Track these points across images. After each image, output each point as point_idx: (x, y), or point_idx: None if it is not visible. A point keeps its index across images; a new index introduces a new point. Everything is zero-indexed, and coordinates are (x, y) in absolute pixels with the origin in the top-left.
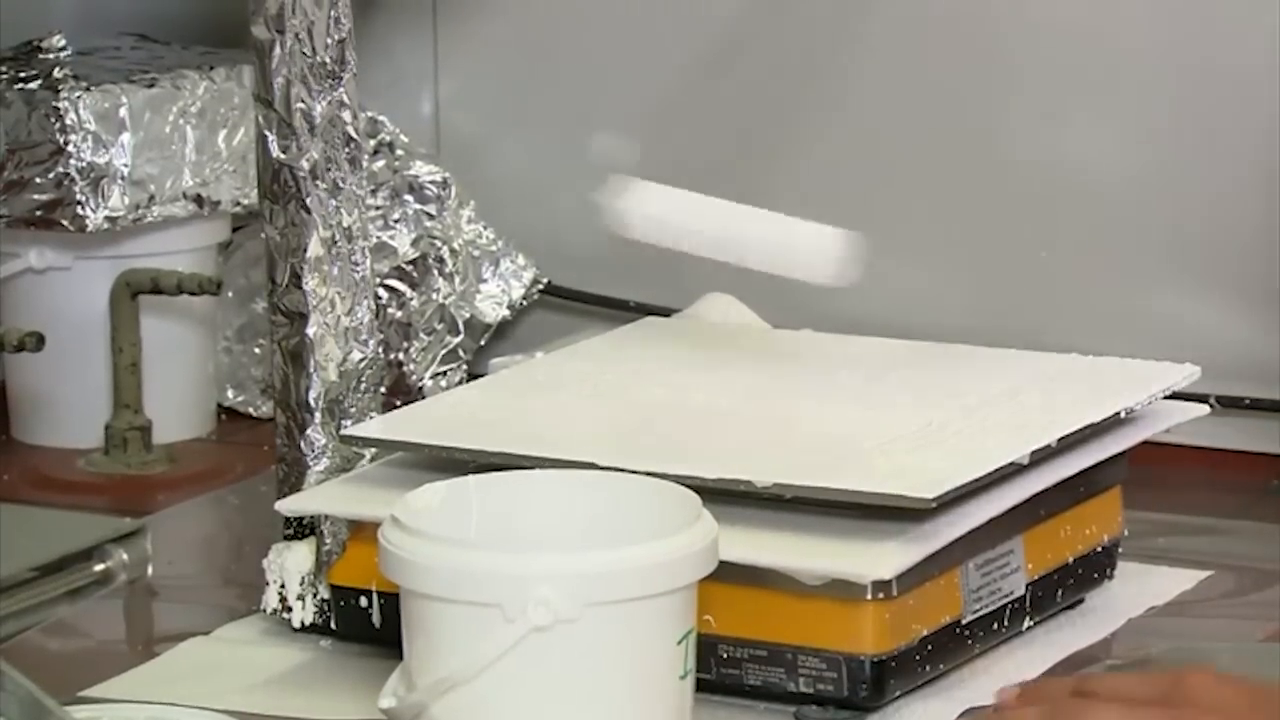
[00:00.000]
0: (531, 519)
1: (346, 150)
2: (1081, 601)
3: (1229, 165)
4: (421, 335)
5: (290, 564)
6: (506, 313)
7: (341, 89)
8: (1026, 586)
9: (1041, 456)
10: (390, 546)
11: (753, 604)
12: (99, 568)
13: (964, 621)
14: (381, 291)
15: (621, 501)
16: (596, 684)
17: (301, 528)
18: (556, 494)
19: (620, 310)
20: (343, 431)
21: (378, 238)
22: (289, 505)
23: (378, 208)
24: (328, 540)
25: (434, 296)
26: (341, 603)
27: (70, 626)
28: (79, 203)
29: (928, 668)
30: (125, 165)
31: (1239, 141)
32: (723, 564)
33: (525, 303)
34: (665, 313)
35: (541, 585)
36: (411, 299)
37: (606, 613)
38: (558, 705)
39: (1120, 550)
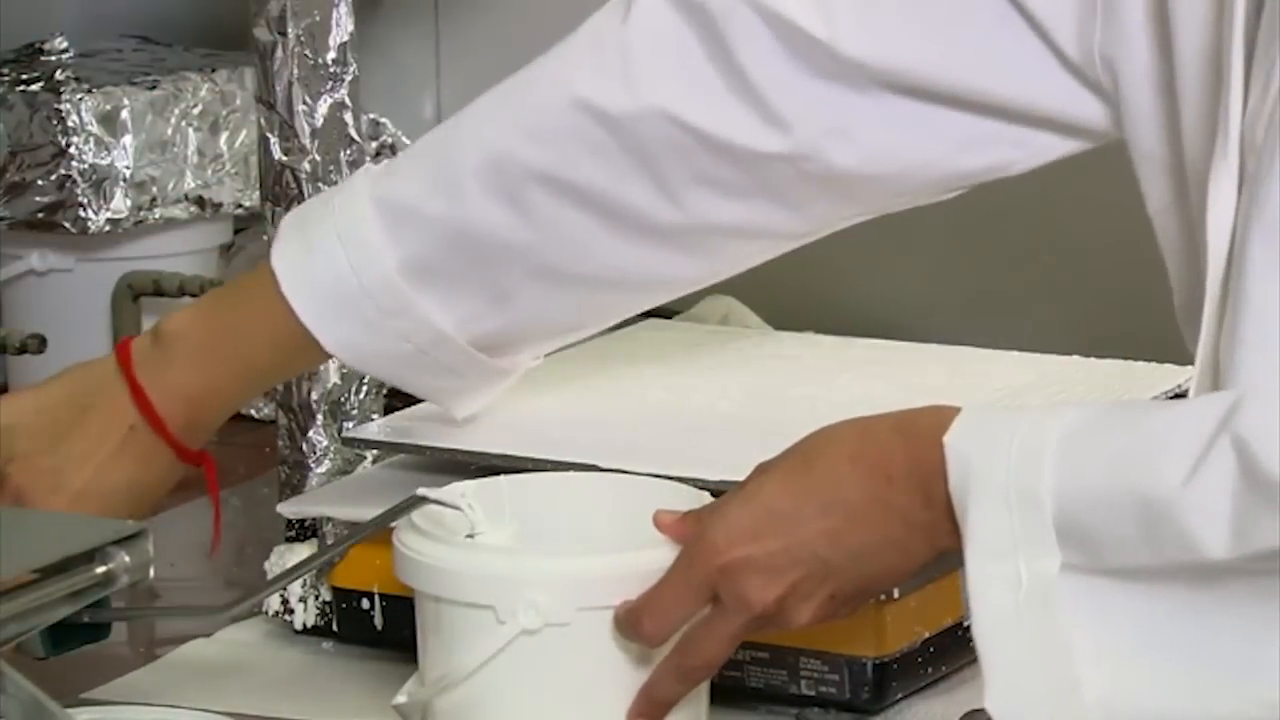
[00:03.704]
0: (547, 520)
1: (348, 152)
2: None
3: None
4: None
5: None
6: None
7: (343, 91)
8: None
9: None
10: (400, 547)
11: None
12: (100, 570)
13: (966, 624)
14: None
15: (634, 503)
16: (588, 688)
17: (303, 530)
18: (569, 495)
19: None
20: (344, 434)
21: None
22: (291, 507)
23: None
24: (329, 542)
25: None
26: (343, 605)
27: None
28: (81, 205)
29: (930, 670)
30: (127, 167)
31: None
32: None
33: None
34: (667, 314)
35: (531, 589)
36: None
37: (598, 617)
38: (549, 707)
39: None
